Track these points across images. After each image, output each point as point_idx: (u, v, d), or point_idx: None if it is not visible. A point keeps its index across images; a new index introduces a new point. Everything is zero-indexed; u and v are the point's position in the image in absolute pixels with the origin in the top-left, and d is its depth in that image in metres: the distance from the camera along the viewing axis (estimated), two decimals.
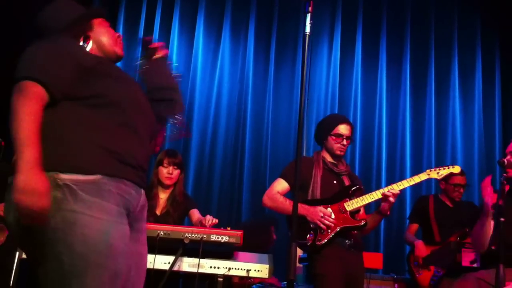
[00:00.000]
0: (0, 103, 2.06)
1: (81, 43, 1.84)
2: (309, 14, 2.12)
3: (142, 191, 1.74)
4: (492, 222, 3.06)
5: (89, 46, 1.86)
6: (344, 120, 3.44)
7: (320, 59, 5.91)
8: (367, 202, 3.24)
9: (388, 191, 3.19)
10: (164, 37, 5.80)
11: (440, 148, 5.76)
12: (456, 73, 5.92)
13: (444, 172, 3.32)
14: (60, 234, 1.49)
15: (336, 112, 5.63)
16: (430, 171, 3.33)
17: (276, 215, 5.08)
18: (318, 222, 3.13)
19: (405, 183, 3.30)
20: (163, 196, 3.72)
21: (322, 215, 3.14)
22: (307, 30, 2.11)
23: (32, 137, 1.45)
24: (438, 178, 3.33)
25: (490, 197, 3.03)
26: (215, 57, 5.82)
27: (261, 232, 4.85)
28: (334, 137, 3.36)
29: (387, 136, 5.75)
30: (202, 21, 5.82)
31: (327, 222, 3.13)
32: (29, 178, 1.40)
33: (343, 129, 3.36)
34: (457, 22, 6.03)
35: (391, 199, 3.18)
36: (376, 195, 3.24)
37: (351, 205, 3.24)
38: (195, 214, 3.71)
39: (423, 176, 3.31)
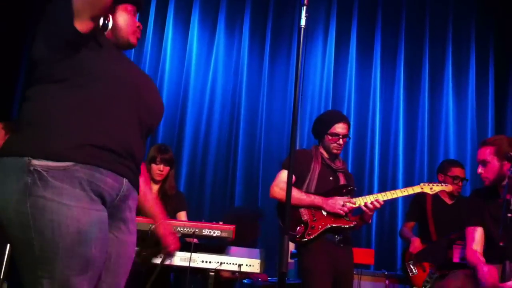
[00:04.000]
0: None
1: (101, 21, 1.78)
2: (304, 7, 2.11)
3: (124, 180, 1.68)
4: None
5: (109, 25, 1.82)
6: (341, 119, 3.44)
7: (315, 54, 5.90)
8: (359, 204, 3.26)
9: (371, 203, 3.22)
10: (159, 29, 5.77)
11: (433, 145, 5.77)
12: (450, 69, 5.93)
13: (437, 188, 3.45)
14: (31, 219, 1.49)
15: (330, 107, 5.63)
16: (424, 185, 3.45)
17: (266, 209, 5.11)
18: (340, 212, 3.18)
19: (399, 193, 3.37)
20: (153, 188, 3.78)
21: (342, 203, 3.20)
22: (303, 23, 2.10)
23: None
24: (430, 193, 3.46)
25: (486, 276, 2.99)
26: (210, 50, 5.80)
27: (249, 225, 4.85)
28: (330, 136, 3.37)
29: (380, 132, 5.76)
30: (197, 14, 5.79)
31: (346, 210, 3.20)
32: None
33: (339, 128, 3.38)
34: (451, 19, 6.03)
35: (369, 212, 3.23)
36: (368, 199, 3.27)
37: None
38: (181, 217, 3.77)
39: (416, 189, 3.42)
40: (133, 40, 1.92)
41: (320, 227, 3.18)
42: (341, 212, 3.18)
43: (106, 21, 1.81)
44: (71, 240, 1.50)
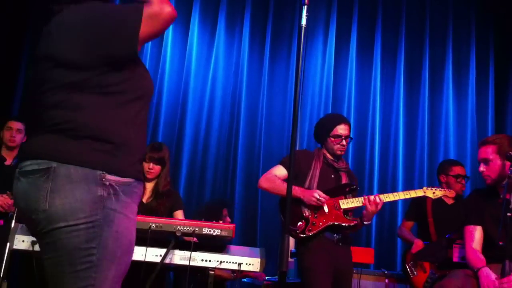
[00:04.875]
0: None
1: None
2: (305, 7, 2.12)
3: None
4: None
5: None
6: (342, 120, 3.46)
7: (315, 54, 5.91)
8: (362, 204, 3.27)
9: (373, 196, 3.24)
10: None
11: (433, 144, 5.78)
12: (450, 69, 5.93)
13: (439, 193, 3.46)
14: (98, 229, 1.55)
15: (330, 107, 5.64)
16: (427, 189, 3.45)
17: (265, 209, 5.11)
18: (314, 203, 3.18)
19: (401, 195, 3.40)
20: (148, 185, 3.83)
21: (317, 196, 3.18)
22: (303, 22, 2.10)
23: None
24: (432, 197, 3.46)
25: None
26: (210, 50, 5.80)
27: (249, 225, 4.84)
28: (333, 139, 3.39)
29: (380, 132, 5.76)
30: (197, 14, 5.79)
31: (323, 200, 3.18)
32: None
33: (341, 129, 3.40)
34: (451, 18, 6.04)
35: (370, 207, 3.23)
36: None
37: (346, 203, 3.30)
38: (177, 216, 3.78)
39: (419, 193, 3.43)
40: None
41: (321, 224, 3.20)
42: (317, 204, 3.18)
43: None
44: (125, 250, 1.62)
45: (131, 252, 1.66)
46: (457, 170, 4.30)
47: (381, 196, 3.30)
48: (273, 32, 5.86)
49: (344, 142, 3.39)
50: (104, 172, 1.57)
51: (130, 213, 1.63)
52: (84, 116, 1.60)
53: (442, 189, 3.52)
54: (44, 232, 1.55)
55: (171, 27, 5.71)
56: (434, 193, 3.44)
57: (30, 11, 5.37)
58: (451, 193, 3.60)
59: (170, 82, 5.67)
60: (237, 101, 5.64)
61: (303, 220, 3.21)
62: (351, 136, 3.52)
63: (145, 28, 1.60)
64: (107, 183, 1.57)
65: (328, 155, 3.44)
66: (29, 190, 1.57)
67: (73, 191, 1.54)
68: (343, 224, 3.25)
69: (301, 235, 3.19)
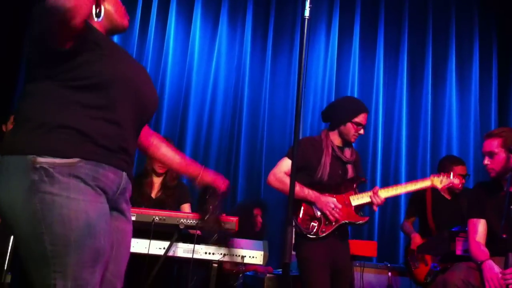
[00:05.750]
0: None
1: (93, 11, 1.78)
2: None
3: (124, 174, 1.73)
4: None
5: (101, 13, 1.81)
6: (366, 110, 3.34)
7: (318, 46, 5.90)
8: (370, 200, 3.21)
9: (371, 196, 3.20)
10: (161, 23, 5.76)
11: (436, 138, 5.77)
12: (453, 62, 5.92)
13: (446, 181, 3.36)
14: (40, 215, 1.50)
15: (333, 100, 5.62)
16: (434, 177, 3.38)
17: (268, 202, 5.11)
18: (328, 213, 3.11)
19: (409, 186, 3.35)
20: (157, 180, 3.87)
21: (333, 206, 3.12)
22: (307, 13, 2.08)
23: None
24: (440, 186, 3.37)
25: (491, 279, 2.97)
26: (212, 43, 5.80)
27: (251, 218, 4.84)
28: (355, 125, 3.26)
29: (383, 125, 5.76)
30: (199, 7, 5.79)
31: (336, 215, 3.11)
32: None
33: (364, 118, 3.29)
34: (454, 12, 6.02)
35: (376, 203, 3.19)
36: (381, 192, 3.23)
37: (356, 199, 3.22)
38: (184, 209, 3.82)
39: (426, 182, 3.37)
40: (126, 23, 1.92)
41: (334, 223, 3.13)
42: (329, 214, 3.10)
43: (98, 10, 1.80)
44: (81, 233, 1.53)
45: (95, 236, 1.55)
46: (457, 170, 4.26)
47: (390, 189, 3.25)
48: (275, 25, 5.85)
49: (362, 131, 3.29)
50: (34, 156, 1.52)
51: (77, 194, 1.54)
52: (25, 103, 1.62)
53: (448, 177, 3.40)
54: (3, 225, 1.58)
55: (173, 20, 5.71)
56: (441, 181, 3.36)
57: (30, 10, 5.35)
58: (458, 183, 3.44)
59: (172, 76, 5.67)
60: (240, 95, 5.64)
61: (316, 221, 3.14)
62: None
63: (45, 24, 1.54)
64: (38, 165, 1.52)
65: (336, 141, 3.30)
66: None
67: (8, 182, 1.54)
68: (357, 222, 3.19)
69: (313, 236, 3.12)
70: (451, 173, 3.45)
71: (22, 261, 1.57)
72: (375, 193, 3.20)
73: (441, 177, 3.38)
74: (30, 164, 1.51)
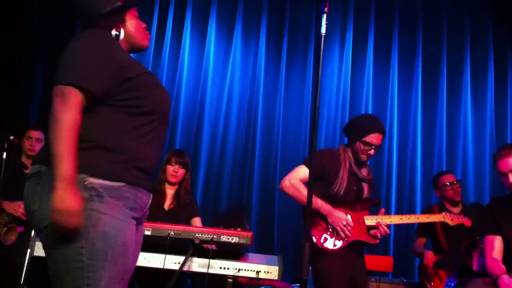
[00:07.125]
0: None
1: (113, 33, 1.86)
2: (325, 15, 2.12)
3: (151, 195, 1.87)
4: None
5: (121, 35, 1.88)
6: (378, 129, 3.25)
7: (332, 59, 5.89)
8: (386, 222, 3.21)
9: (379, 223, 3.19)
10: (176, 36, 5.81)
11: (451, 150, 5.72)
12: (468, 74, 5.87)
13: (457, 221, 3.52)
14: (83, 230, 1.59)
15: (348, 112, 5.61)
16: (446, 215, 3.50)
17: (282, 216, 5.08)
18: (339, 229, 3.10)
19: (422, 218, 3.47)
20: (170, 192, 3.86)
21: (345, 223, 3.10)
22: (323, 30, 2.10)
23: (70, 153, 1.56)
24: (451, 224, 3.49)
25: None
26: (227, 57, 5.83)
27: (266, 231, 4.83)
28: (362, 145, 3.22)
29: (398, 138, 5.72)
30: (214, 21, 5.83)
31: (347, 233, 3.10)
32: (65, 197, 1.53)
33: (374, 138, 3.22)
34: (469, 24, 5.98)
35: (381, 232, 3.19)
36: (394, 218, 3.27)
37: (370, 220, 3.21)
38: (195, 223, 3.79)
39: (438, 217, 3.52)
40: (146, 44, 2.00)
41: (346, 239, 3.12)
42: (340, 231, 3.09)
43: (118, 32, 1.88)
44: (118, 251, 1.64)
45: (127, 255, 1.68)
46: (445, 179, 4.32)
47: (403, 217, 3.27)
48: (289, 38, 5.86)
49: (372, 151, 3.24)
50: (86, 175, 1.61)
51: (119, 214, 1.66)
52: (83, 127, 1.66)
53: (459, 217, 3.54)
54: (37, 232, 1.66)
55: (188, 34, 5.75)
56: (452, 219, 3.49)
57: (33, 20, 5.44)
58: (468, 222, 3.57)
59: (187, 90, 5.70)
60: (254, 108, 5.65)
61: (328, 234, 3.13)
62: (382, 145, 3.34)
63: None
64: (89, 185, 1.62)
65: (352, 159, 3.28)
66: (28, 193, 1.69)
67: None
68: (367, 242, 3.19)
69: (327, 249, 3.10)
70: (462, 215, 3.58)
71: (50, 274, 1.64)
72: (384, 224, 3.19)
73: (453, 216, 3.51)
74: (81, 182, 1.60)
